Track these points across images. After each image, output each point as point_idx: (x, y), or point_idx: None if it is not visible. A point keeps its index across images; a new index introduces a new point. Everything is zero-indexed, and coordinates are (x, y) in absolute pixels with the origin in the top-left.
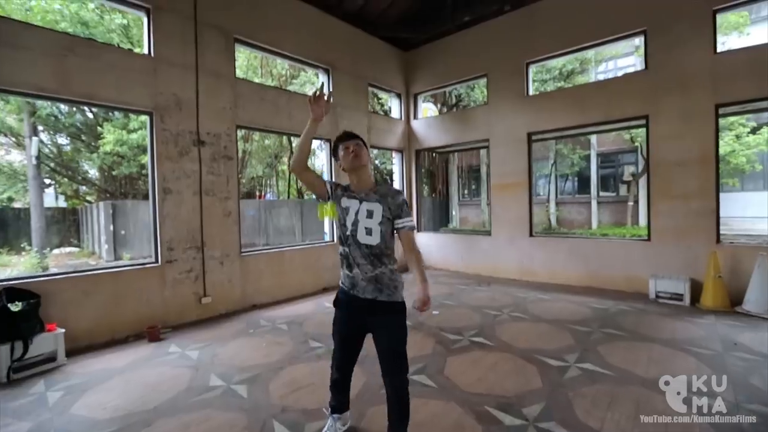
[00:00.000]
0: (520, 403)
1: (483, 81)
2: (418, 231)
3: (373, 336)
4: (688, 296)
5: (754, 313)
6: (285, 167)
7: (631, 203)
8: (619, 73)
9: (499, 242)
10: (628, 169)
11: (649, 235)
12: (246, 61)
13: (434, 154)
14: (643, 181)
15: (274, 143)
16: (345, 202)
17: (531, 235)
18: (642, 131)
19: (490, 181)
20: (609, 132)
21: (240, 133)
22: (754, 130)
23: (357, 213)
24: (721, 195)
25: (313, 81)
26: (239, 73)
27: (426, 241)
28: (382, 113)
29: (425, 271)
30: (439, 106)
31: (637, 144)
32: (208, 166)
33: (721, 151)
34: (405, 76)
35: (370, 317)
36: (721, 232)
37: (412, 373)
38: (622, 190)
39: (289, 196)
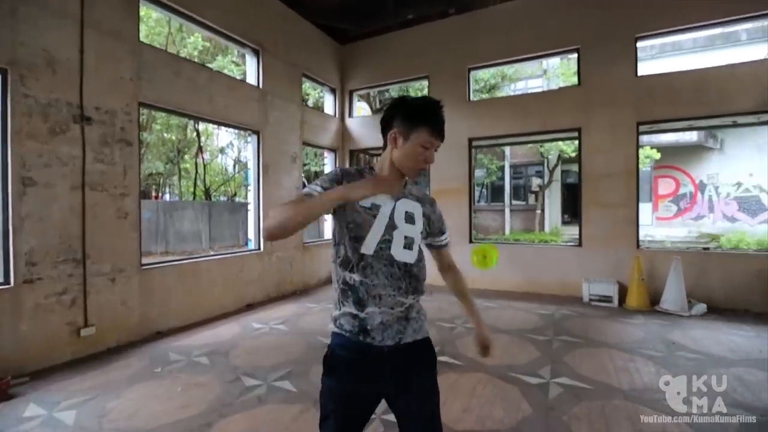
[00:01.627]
0: None
1: (419, 84)
2: None
3: (395, 403)
4: (617, 298)
5: (672, 311)
6: (188, 165)
7: (538, 212)
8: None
9: None
10: (536, 181)
11: (580, 241)
12: (147, 37)
13: (367, 156)
14: (548, 192)
15: (176, 136)
16: (371, 197)
17: (471, 241)
18: (552, 146)
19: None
20: (546, 142)
21: (145, 117)
22: None
23: (392, 215)
24: None
25: (231, 69)
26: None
27: None
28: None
29: None
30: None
31: (546, 158)
32: (97, 151)
33: None
34: (341, 71)
35: (390, 377)
36: None
37: (382, 411)
38: (531, 199)
39: (194, 197)
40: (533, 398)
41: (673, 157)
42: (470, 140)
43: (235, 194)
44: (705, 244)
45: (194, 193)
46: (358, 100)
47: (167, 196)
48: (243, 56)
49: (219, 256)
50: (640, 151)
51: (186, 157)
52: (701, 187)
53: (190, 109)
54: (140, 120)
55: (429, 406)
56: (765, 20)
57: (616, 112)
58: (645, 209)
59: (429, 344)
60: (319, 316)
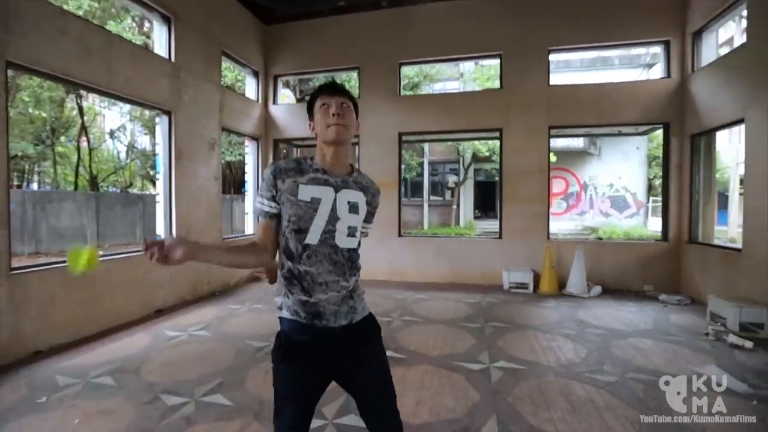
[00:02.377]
0: (475, 424)
1: (347, 75)
2: None
3: (352, 378)
4: (532, 285)
5: (575, 294)
6: (65, 149)
7: (454, 207)
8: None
9: (369, 243)
10: (452, 178)
11: (500, 233)
12: None
13: (286, 148)
14: (463, 188)
15: (50, 113)
16: (310, 191)
17: (400, 235)
18: (468, 145)
19: None
20: (471, 140)
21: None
22: None
23: (334, 207)
24: None
25: (130, 37)
26: None
27: None
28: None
29: None
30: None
31: (462, 156)
32: None
33: None
34: (265, 53)
35: (347, 352)
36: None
37: (336, 414)
38: (447, 195)
39: (76, 187)
40: (478, 384)
41: (564, 160)
42: (400, 135)
43: (130, 184)
44: (587, 236)
45: (75, 183)
46: (283, 87)
47: (35, 185)
48: (141, 26)
49: (121, 256)
50: None
51: (63, 139)
52: (585, 187)
53: (80, 77)
54: (7, 84)
55: (381, 370)
56: (651, 47)
57: (532, 115)
58: None
59: (373, 318)
60: (246, 318)
